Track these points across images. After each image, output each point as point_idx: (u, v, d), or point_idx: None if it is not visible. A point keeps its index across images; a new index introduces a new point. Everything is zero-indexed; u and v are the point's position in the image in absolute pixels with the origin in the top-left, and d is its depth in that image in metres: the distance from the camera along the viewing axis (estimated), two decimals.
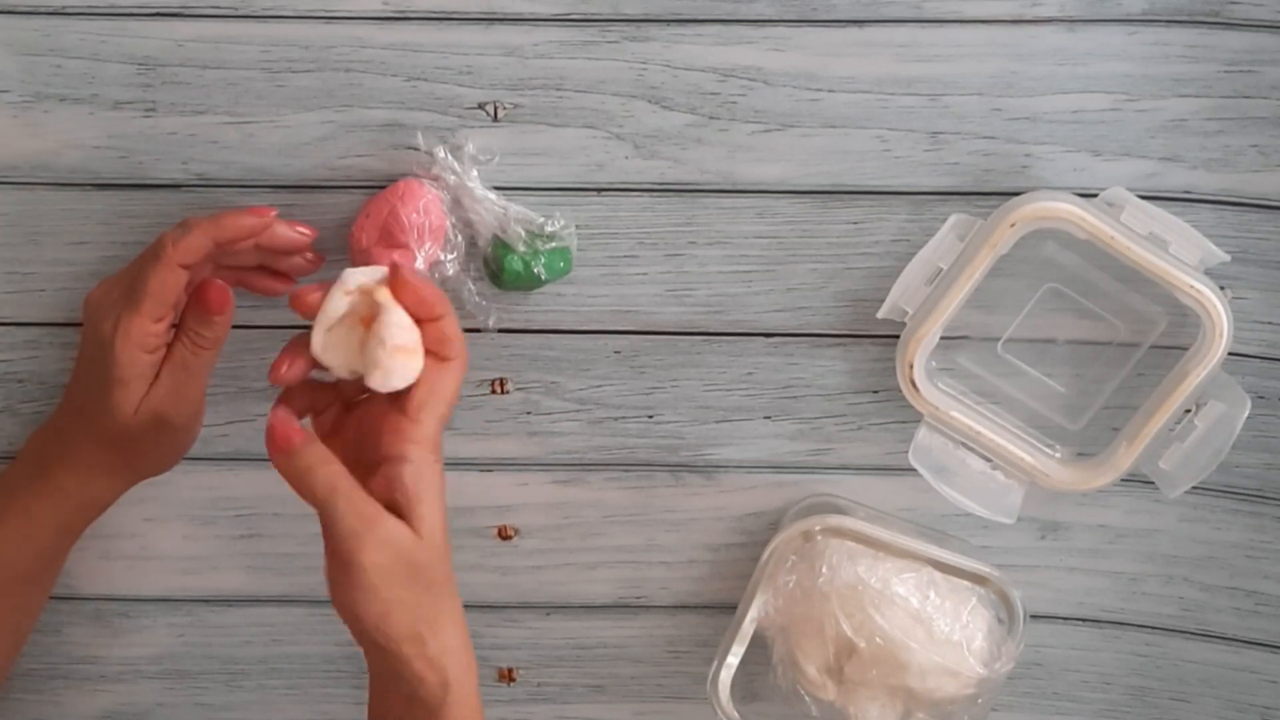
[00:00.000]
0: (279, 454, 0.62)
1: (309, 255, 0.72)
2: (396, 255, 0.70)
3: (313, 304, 0.63)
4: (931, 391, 0.74)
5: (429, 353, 0.64)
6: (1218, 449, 0.72)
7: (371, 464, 0.64)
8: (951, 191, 0.73)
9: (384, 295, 0.62)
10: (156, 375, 0.68)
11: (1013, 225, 0.70)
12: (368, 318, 0.63)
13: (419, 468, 0.63)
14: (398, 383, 0.63)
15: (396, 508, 0.62)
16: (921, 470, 0.75)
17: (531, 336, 0.76)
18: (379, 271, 0.64)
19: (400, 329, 0.62)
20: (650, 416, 0.78)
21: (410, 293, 0.63)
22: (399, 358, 0.62)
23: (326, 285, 0.63)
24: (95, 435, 0.69)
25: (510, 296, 0.75)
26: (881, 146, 0.73)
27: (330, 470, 0.62)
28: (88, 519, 0.72)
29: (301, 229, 0.70)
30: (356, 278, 0.63)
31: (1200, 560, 0.79)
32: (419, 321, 0.63)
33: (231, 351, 0.76)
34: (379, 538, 0.61)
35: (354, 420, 0.68)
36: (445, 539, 0.64)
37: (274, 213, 0.68)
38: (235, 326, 0.75)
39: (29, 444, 0.73)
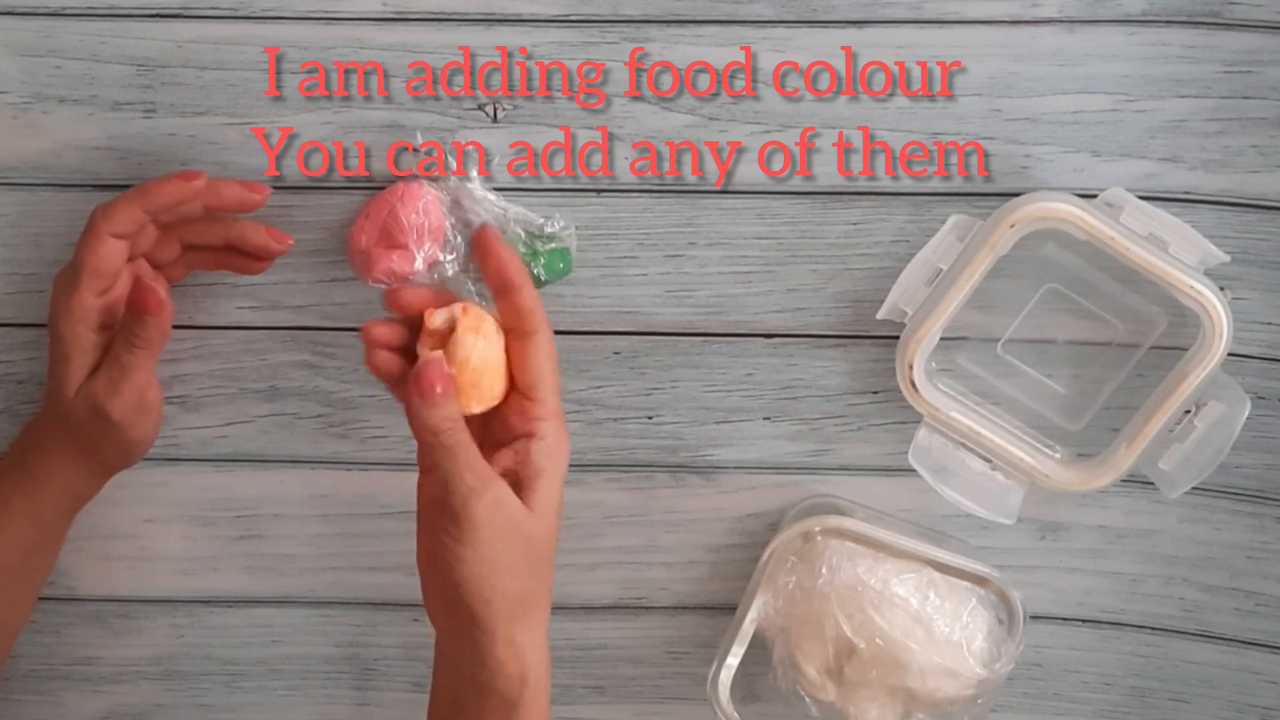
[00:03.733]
0: (422, 399, 0.62)
1: (274, 233, 0.71)
2: (397, 254, 0.70)
3: (410, 304, 0.66)
4: (931, 392, 0.74)
5: (511, 331, 0.66)
6: (1217, 449, 0.72)
7: (498, 444, 0.66)
8: (951, 192, 0.73)
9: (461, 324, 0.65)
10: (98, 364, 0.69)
11: (1012, 226, 0.70)
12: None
13: (548, 445, 0.65)
14: (476, 408, 0.65)
15: (516, 482, 0.64)
16: (921, 471, 0.75)
17: None
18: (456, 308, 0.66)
19: (476, 351, 0.65)
20: (650, 417, 0.78)
21: (495, 258, 0.64)
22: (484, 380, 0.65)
23: (426, 288, 0.66)
24: (54, 421, 0.70)
25: None
26: (881, 147, 0.73)
27: (460, 429, 0.63)
28: (64, 509, 0.72)
29: (255, 191, 0.69)
30: (441, 314, 0.66)
31: (1200, 561, 0.79)
32: (499, 293, 0.65)
33: (231, 352, 0.76)
34: (494, 498, 0.62)
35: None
36: (556, 521, 0.65)
37: (202, 177, 0.68)
38: (235, 327, 0.75)
39: (16, 437, 0.73)
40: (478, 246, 0.65)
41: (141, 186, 0.67)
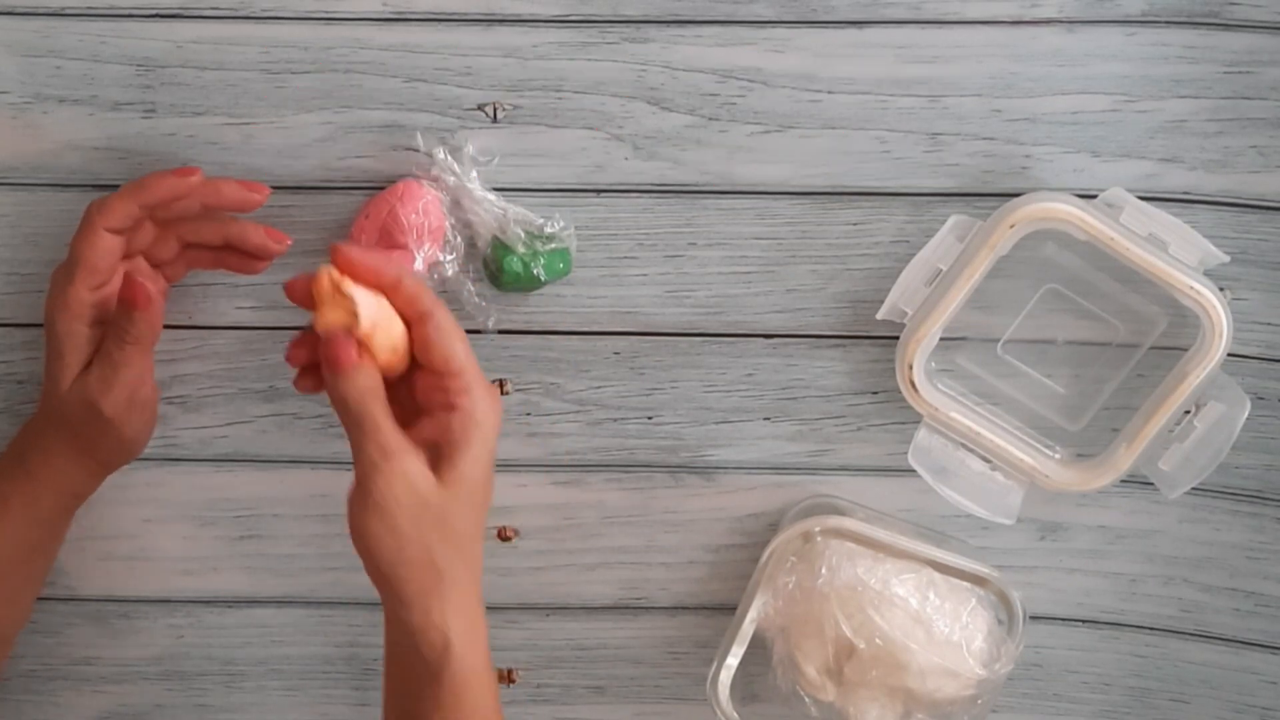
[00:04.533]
0: (332, 372, 0.62)
1: (273, 233, 0.71)
2: (395, 255, 0.70)
3: (299, 290, 0.64)
4: (931, 392, 0.74)
5: (408, 320, 0.64)
6: (1217, 450, 0.72)
7: (424, 414, 0.65)
8: (951, 192, 0.73)
9: (346, 285, 0.63)
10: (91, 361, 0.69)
11: (1012, 226, 0.70)
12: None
13: (463, 417, 0.64)
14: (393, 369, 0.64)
15: (436, 453, 0.64)
16: (921, 471, 0.75)
17: (531, 338, 0.76)
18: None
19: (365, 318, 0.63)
20: (650, 418, 0.78)
21: (360, 268, 0.63)
22: (381, 356, 0.63)
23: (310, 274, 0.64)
24: (50, 418, 0.70)
25: (510, 298, 0.75)
26: (881, 147, 0.73)
27: (369, 400, 0.63)
28: (62, 507, 0.72)
29: (254, 191, 0.69)
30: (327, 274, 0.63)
31: (1200, 561, 0.79)
32: (385, 294, 0.64)
33: (231, 353, 0.76)
34: (399, 470, 0.62)
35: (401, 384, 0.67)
36: (480, 491, 0.65)
37: (199, 173, 0.68)
38: (235, 327, 0.75)
39: (14, 436, 0.73)
40: (339, 265, 0.63)
41: (138, 181, 0.67)
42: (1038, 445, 0.76)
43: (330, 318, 0.62)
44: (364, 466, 0.63)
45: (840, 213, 0.74)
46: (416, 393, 0.66)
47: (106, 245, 0.67)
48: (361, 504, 0.63)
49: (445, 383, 0.64)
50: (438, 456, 0.64)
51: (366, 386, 0.63)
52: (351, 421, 0.63)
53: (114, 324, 0.68)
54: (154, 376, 0.72)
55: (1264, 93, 0.71)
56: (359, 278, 0.63)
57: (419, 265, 0.70)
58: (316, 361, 0.64)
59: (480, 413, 0.64)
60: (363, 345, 0.62)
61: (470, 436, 0.64)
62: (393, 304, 0.64)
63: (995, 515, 0.75)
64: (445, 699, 0.64)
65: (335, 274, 0.62)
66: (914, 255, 0.73)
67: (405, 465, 0.62)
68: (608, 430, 0.78)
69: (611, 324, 0.76)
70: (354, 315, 0.62)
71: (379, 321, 0.63)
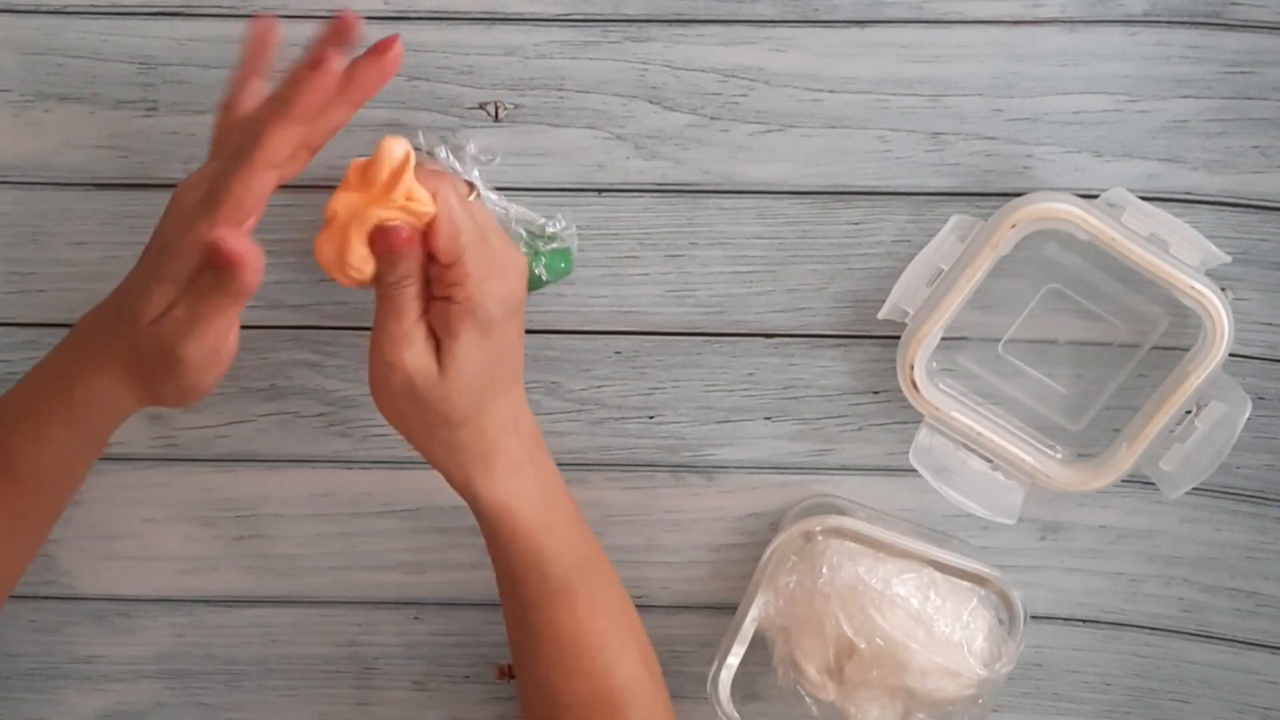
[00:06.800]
0: (393, 257, 0.62)
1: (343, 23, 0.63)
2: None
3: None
4: (932, 392, 0.74)
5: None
6: (1218, 450, 0.72)
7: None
8: (953, 192, 0.73)
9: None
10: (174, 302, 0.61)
11: (1014, 226, 0.70)
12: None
13: (460, 311, 0.64)
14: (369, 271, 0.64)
15: (439, 341, 0.65)
16: (922, 471, 0.75)
17: (532, 337, 0.76)
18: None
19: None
20: (651, 417, 0.78)
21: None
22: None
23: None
24: (116, 344, 0.63)
25: None
26: (883, 147, 0.73)
27: (390, 289, 0.63)
28: (102, 427, 0.67)
29: (388, 56, 0.63)
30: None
31: (1200, 561, 0.79)
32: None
33: None
34: (385, 361, 0.64)
35: None
36: (477, 383, 0.65)
37: (333, 61, 0.60)
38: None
39: (68, 337, 0.67)
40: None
41: (281, 98, 0.60)
42: (1039, 445, 0.76)
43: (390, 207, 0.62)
44: (375, 341, 0.64)
45: (842, 212, 0.74)
46: (430, 278, 0.65)
47: (262, 187, 0.60)
48: (372, 388, 0.65)
49: (443, 273, 0.64)
50: (438, 345, 0.65)
51: (410, 272, 0.63)
52: (386, 302, 0.63)
53: (216, 275, 0.60)
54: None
55: (1266, 93, 0.71)
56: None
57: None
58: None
59: (476, 306, 0.64)
60: (415, 232, 0.62)
61: (463, 329, 0.64)
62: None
63: (996, 515, 0.75)
64: (512, 545, 0.68)
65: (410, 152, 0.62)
66: (915, 255, 0.73)
67: (407, 357, 0.64)
68: (609, 429, 0.78)
69: (613, 323, 0.76)
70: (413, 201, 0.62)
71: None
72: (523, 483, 0.68)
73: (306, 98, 0.60)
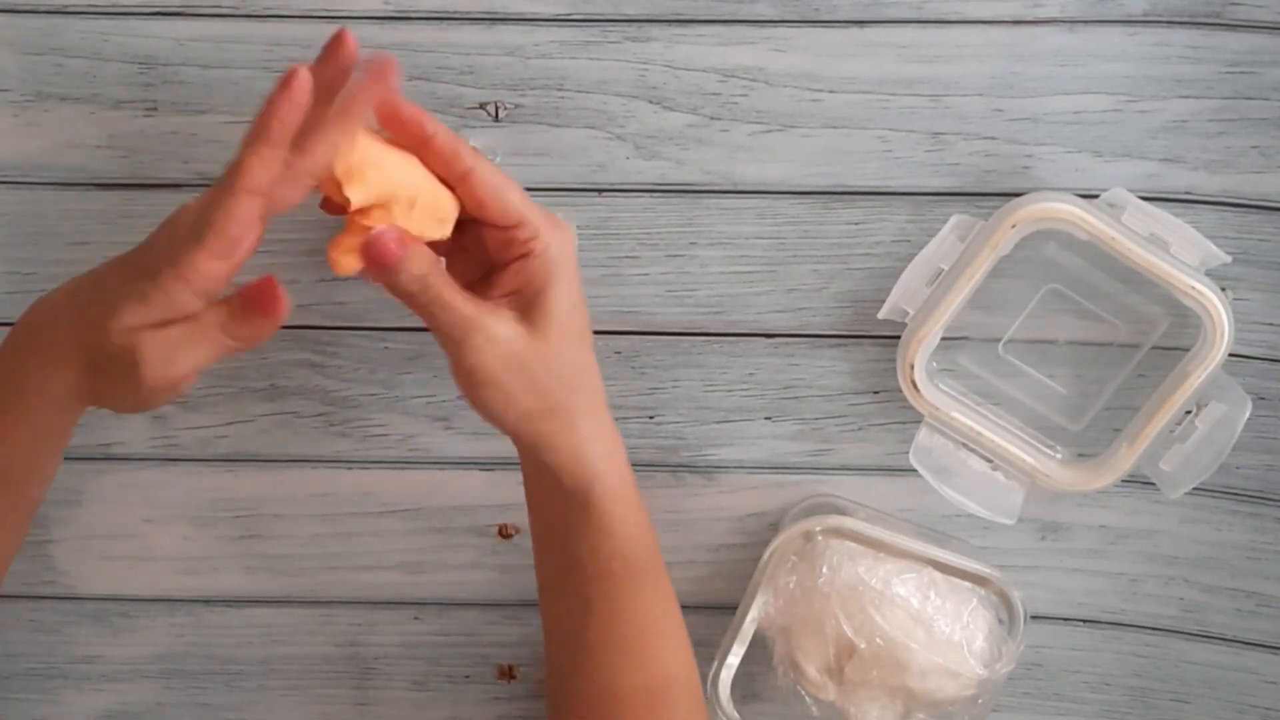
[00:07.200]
0: (383, 273, 0.60)
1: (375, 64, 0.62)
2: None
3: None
4: (932, 392, 0.74)
5: (450, 180, 0.63)
6: (1218, 450, 0.72)
7: (499, 267, 0.65)
8: (952, 192, 0.73)
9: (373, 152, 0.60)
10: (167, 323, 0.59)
11: (1014, 226, 0.70)
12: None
13: (540, 261, 0.63)
14: (433, 234, 0.62)
15: (522, 301, 0.64)
16: (922, 471, 0.75)
17: None
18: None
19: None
20: (651, 417, 0.78)
21: (396, 112, 0.61)
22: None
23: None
24: (83, 330, 0.61)
25: None
26: (883, 147, 0.73)
27: (429, 284, 0.61)
28: (57, 420, 0.64)
29: (385, 78, 0.61)
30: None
31: (1201, 561, 0.79)
32: (416, 150, 0.62)
33: None
34: (485, 337, 0.62)
35: (470, 238, 0.66)
36: (573, 330, 0.65)
37: (304, 72, 0.58)
38: None
39: (28, 318, 0.65)
40: (381, 118, 0.60)
41: (261, 126, 0.58)
42: (1039, 445, 0.76)
43: (364, 209, 0.60)
44: (449, 345, 0.63)
45: (842, 212, 0.74)
46: (489, 248, 0.65)
47: (247, 215, 0.58)
48: (464, 380, 0.63)
49: (511, 234, 0.63)
50: (524, 305, 0.64)
51: (421, 272, 0.61)
52: (420, 309, 0.62)
53: (230, 318, 0.60)
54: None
55: (1266, 93, 0.71)
56: (400, 130, 0.61)
57: None
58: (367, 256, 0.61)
59: (554, 251, 0.64)
60: (404, 231, 0.60)
61: (551, 277, 0.64)
62: (428, 167, 0.62)
63: (996, 515, 0.75)
64: (596, 521, 0.66)
65: (365, 137, 0.59)
66: (915, 255, 0.73)
67: (489, 331, 0.62)
68: None
69: (613, 323, 0.76)
70: (387, 194, 0.60)
71: (419, 197, 0.61)
72: (617, 454, 0.67)
73: (279, 118, 0.58)
